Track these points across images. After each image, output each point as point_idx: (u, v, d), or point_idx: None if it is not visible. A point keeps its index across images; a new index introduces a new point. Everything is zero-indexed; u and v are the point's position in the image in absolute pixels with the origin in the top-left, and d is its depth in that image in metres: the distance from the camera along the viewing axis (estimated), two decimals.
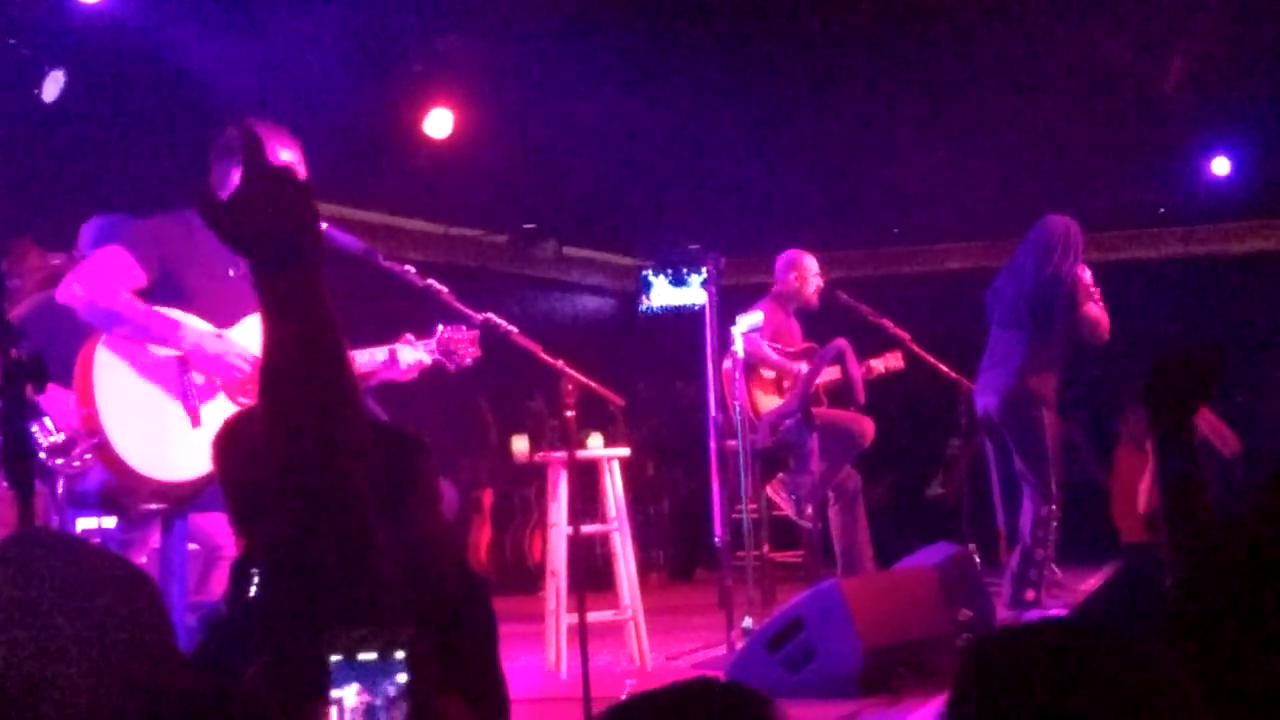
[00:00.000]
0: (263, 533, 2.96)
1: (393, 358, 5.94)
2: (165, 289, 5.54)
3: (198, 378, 5.54)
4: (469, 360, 6.19)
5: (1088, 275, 9.26)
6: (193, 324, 5.49)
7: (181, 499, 5.51)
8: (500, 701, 3.32)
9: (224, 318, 5.60)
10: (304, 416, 2.48)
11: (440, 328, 6.13)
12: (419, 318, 6.39)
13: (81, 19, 9.05)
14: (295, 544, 2.45)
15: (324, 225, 5.78)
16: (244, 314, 5.66)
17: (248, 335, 5.64)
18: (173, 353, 5.45)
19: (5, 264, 7.15)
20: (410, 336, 6.05)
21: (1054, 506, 9.12)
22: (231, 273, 5.71)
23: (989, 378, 9.39)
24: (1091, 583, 9.88)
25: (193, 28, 9.19)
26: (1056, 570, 9.62)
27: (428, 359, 6.06)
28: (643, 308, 16.95)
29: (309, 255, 2.50)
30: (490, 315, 6.15)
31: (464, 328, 6.16)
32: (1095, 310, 9.22)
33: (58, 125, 9.18)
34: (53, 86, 9.06)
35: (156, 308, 5.47)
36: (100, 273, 5.44)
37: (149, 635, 2.37)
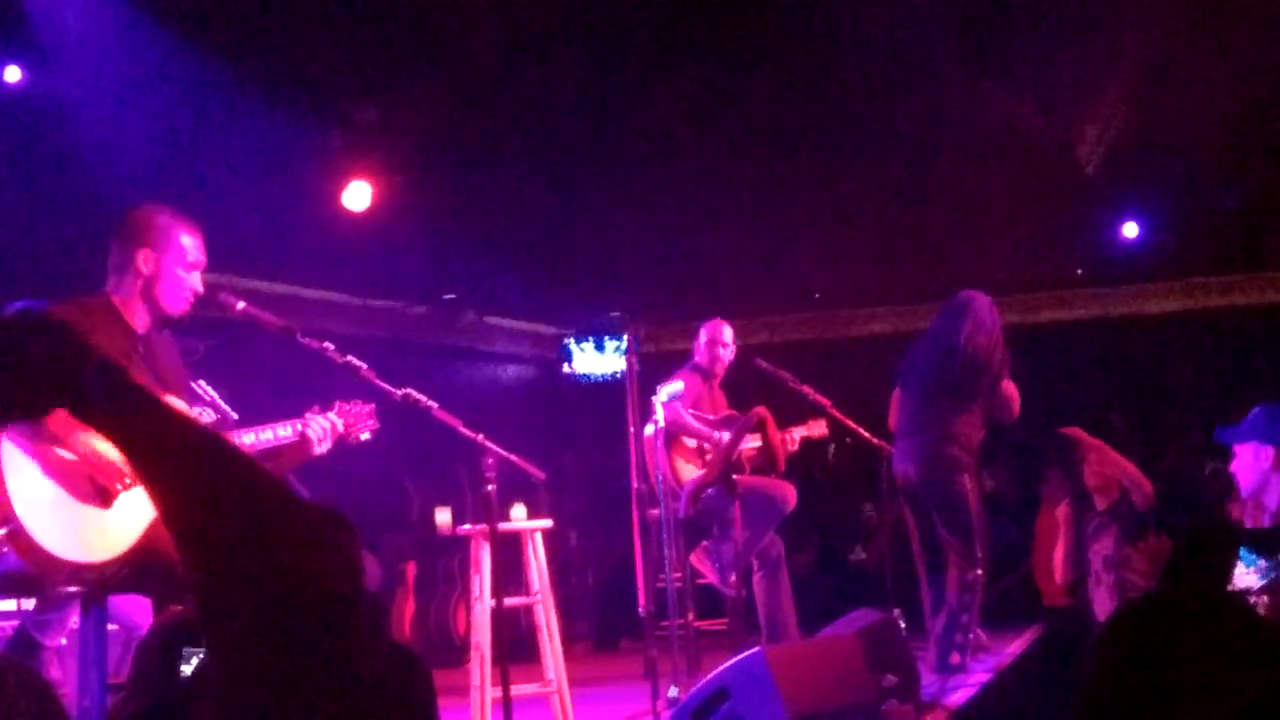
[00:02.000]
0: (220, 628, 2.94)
1: (302, 437, 5.89)
2: None
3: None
4: (367, 434, 6.19)
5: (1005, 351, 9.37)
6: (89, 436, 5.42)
7: (99, 581, 5.46)
8: None
9: None
10: (202, 525, 2.46)
11: (337, 403, 6.12)
12: (340, 393, 6.37)
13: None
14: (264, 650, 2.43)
15: (241, 304, 5.80)
16: None
17: None
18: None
19: None
20: (316, 408, 6.03)
21: (979, 571, 9.16)
22: (130, 358, 5.70)
23: (909, 445, 9.42)
24: (1015, 646, 9.93)
25: (105, 105, 9.17)
26: (981, 634, 9.65)
27: (340, 424, 6.03)
28: (566, 375, 16.95)
29: (67, 398, 2.47)
30: (410, 391, 6.14)
31: (360, 402, 6.16)
32: (1009, 386, 9.33)
33: None
34: None
35: None
36: None
37: None
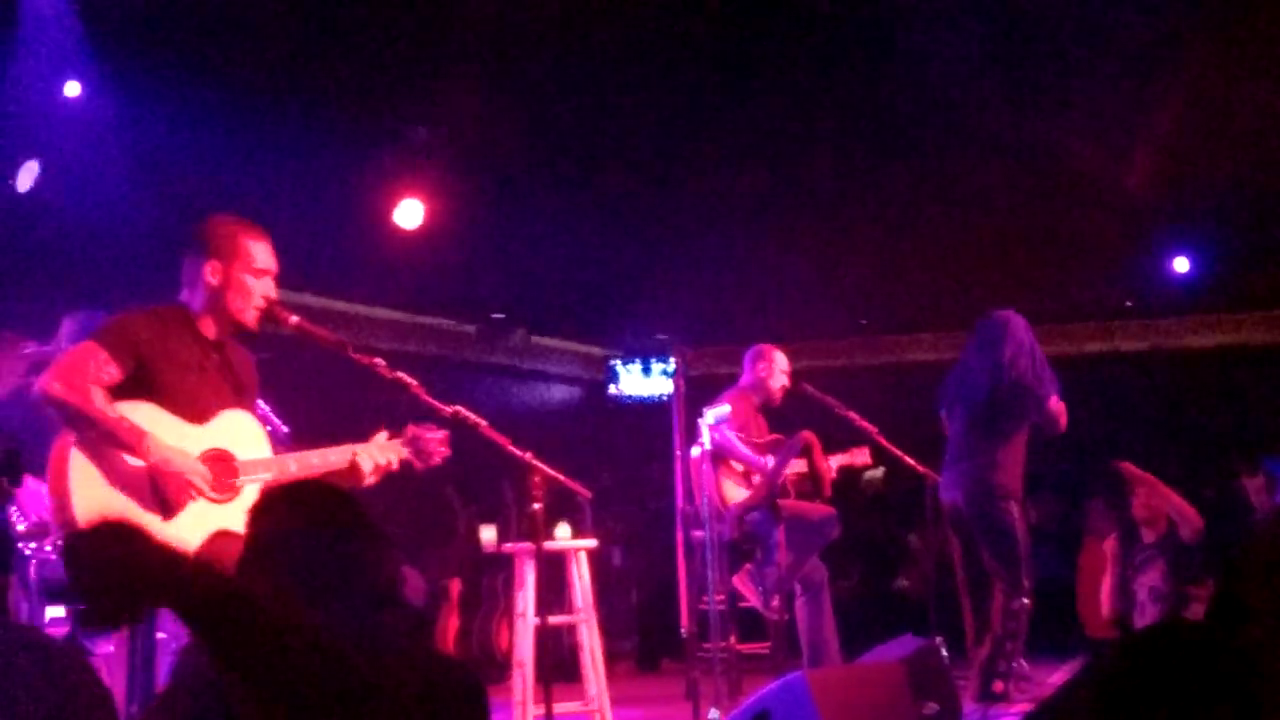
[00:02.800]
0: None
1: (352, 465, 5.90)
2: (140, 384, 5.54)
3: None
4: (438, 460, 6.19)
5: (1048, 368, 9.35)
6: (161, 435, 5.47)
7: None
8: None
9: (197, 413, 5.60)
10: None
11: (411, 427, 6.13)
12: (389, 408, 6.41)
13: (59, 110, 9.10)
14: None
15: (295, 319, 5.85)
16: (217, 409, 5.67)
17: (221, 431, 5.65)
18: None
19: None
20: (383, 433, 6.04)
21: (1025, 600, 9.13)
22: (204, 367, 5.74)
23: (955, 473, 9.41)
24: (1057, 677, 9.90)
25: (167, 121, 9.26)
26: (1024, 664, 9.63)
27: (395, 462, 6.04)
28: (612, 396, 16.98)
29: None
30: (460, 408, 6.16)
31: (434, 426, 6.16)
32: (1056, 403, 9.29)
33: (32, 215, 9.22)
34: (26, 177, 9.10)
35: (130, 403, 5.46)
36: (74, 370, 5.42)
37: None
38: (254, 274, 5.82)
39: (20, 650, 2.39)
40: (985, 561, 9.28)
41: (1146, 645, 2.74)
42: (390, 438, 6.01)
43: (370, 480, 5.88)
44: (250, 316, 5.82)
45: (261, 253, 5.86)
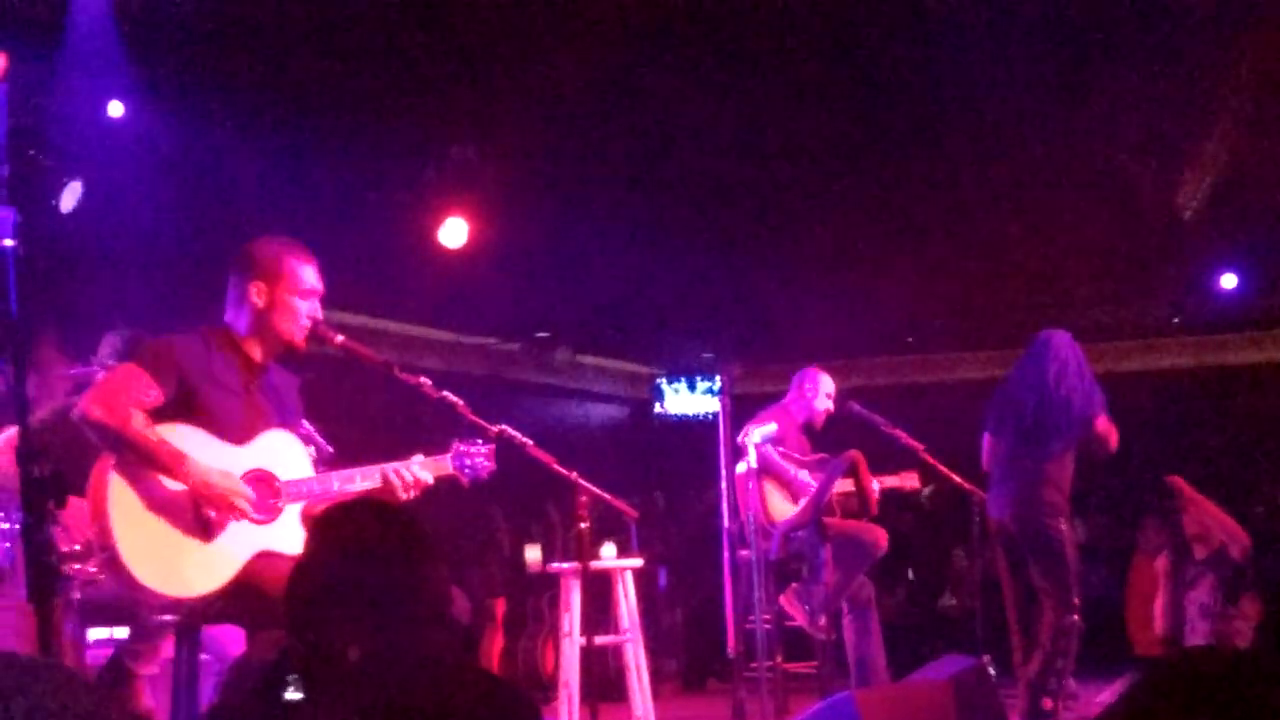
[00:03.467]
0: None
1: (385, 484, 5.87)
2: (181, 405, 5.53)
3: None
4: (484, 475, 6.15)
5: (1098, 387, 9.30)
6: (202, 456, 5.46)
7: (195, 612, 5.50)
8: None
9: (239, 434, 5.59)
10: None
11: (456, 443, 6.10)
12: (434, 428, 6.40)
13: (102, 130, 9.14)
14: None
15: (340, 338, 5.84)
16: (259, 430, 5.66)
17: (261, 452, 5.64)
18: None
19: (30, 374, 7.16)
20: (419, 456, 6.01)
21: (1075, 617, 9.07)
22: (248, 390, 5.73)
23: (1003, 490, 9.37)
24: (1106, 695, 9.83)
25: (211, 142, 9.28)
26: (1072, 682, 9.57)
27: (430, 478, 6.01)
28: (657, 415, 16.98)
29: None
30: (505, 427, 6.13)
31: (480, 442, 6.12)
32: (1105, 423, 9.24)
33: (75, 236, 9.25)
34: (70, 197, 9.14)
35: (171, 425, 5.46)
36: (115, 393, 5.41)
37: None
38: (301, 295, 5.81)
39: (43, 686, 2.36)
40: (1035, 580, 9.22)
41: (1191, 668, 2.71)
42: (430, 454, 5.99)
43: (406, 497, 5.85)
44: (298, 337, 5.81)
45: (308, 274, 5.84)
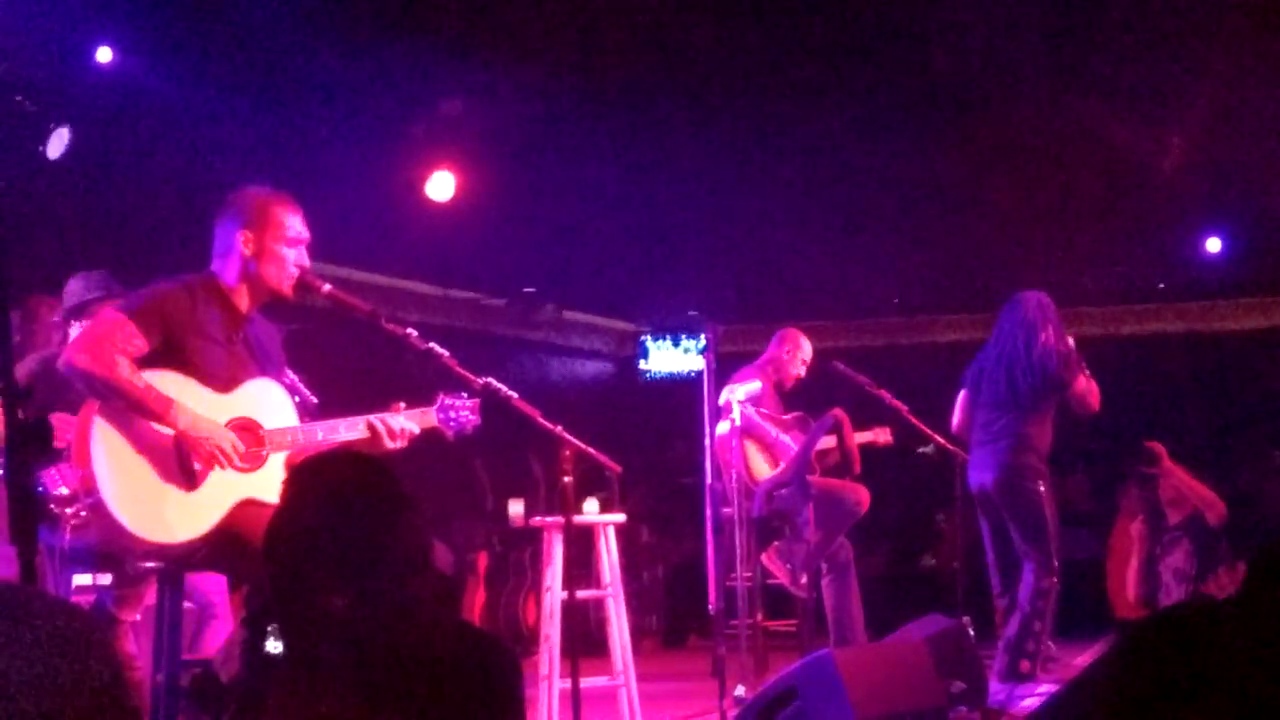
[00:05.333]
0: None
1: (373, 434, 5.87)
2: (167, 353, 5.53)
3: None
4: (469, 429, 6.16)
5: (1072, 348, 9.30)
6: (187, 403, 5.46)
7: (178, 559, 5.51)
8: None
9: (223, 382, 5.60)
10: None
11: (441, 395, 6.10)
12: (419, 380, 6.39)
13: (90, 78, 9.10)
14: None
15: (327, 287, 5.84)
16: (243, 379, 5.67)
17: (246, 400, 5.64)
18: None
19: (17, 320, 7.15)
20: (402, 405, 6.01)
21: (1054, 579, 9.10)
22: (232, 339, 5.73)
23: (983, 454, 9.38)
24: (1084, 658, 9.87)
25: (199, 91, 9.25)
26: (1051, 645, 9.60)
27: (416, 428, 6.01)
28: (642, 372, 16.98)
29: None
30: (490, 380, 6.13)
31: (465, 395, 6.12)
32: (1084, 383, 9.25)
33: (62, 183, 9.22)
34: (57, 144, 9.10)
35: (157, 372, 5.46)
36: (100, 340, 5.41)
37: (88, 686, 2.36)
38: (288, 243, 5.80)
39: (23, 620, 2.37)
40: (1016, 543, 9.24)
41: (1173, 624, 2.72)
42: (412, 407, 5.99)
43: (392, 446, 5.85)
44: (286, 285, 5.81)
45: (295, 222, 5.84)
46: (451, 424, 6.06)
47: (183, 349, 5.56)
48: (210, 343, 5.64)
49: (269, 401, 5.72)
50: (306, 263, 5.86)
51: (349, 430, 5.81)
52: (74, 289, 7.27)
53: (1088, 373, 9.29)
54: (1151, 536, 10.33)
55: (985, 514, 9.50)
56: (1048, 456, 9.33)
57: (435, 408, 6.02)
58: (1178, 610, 2.81)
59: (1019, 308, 9.38)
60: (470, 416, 6.09)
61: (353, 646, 2.96)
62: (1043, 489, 9.18)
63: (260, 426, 5.61)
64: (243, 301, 5.79)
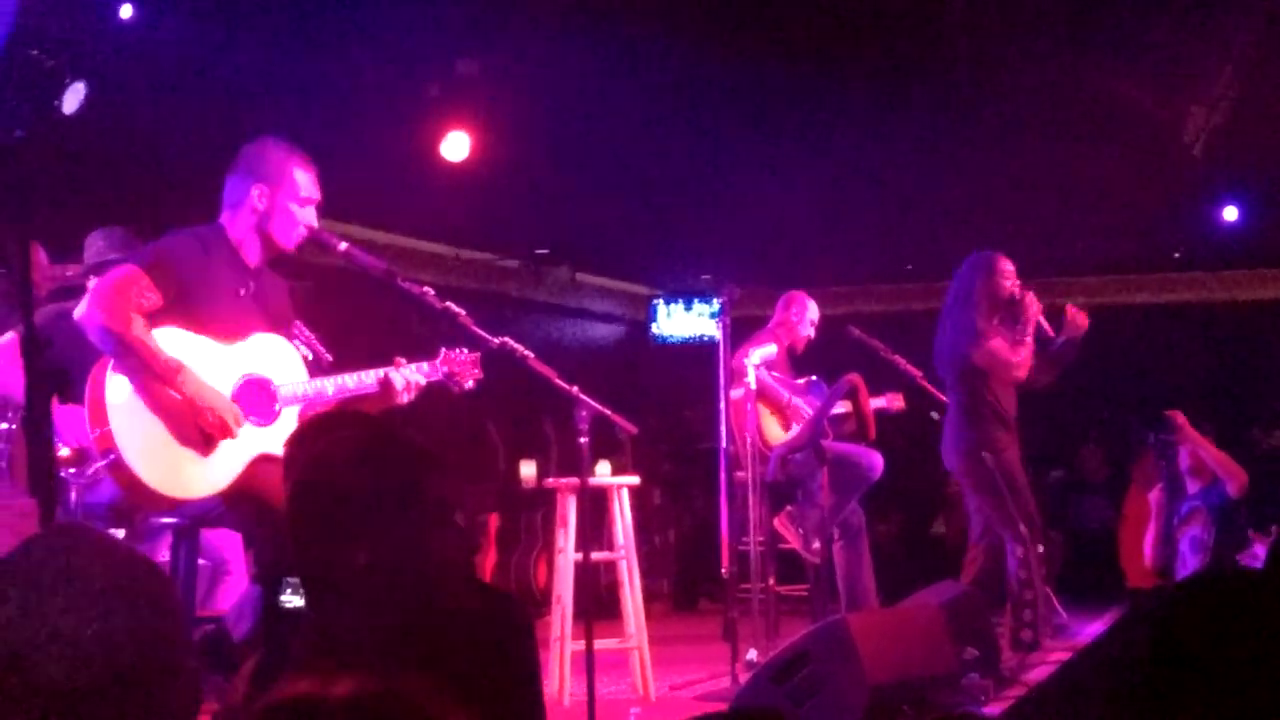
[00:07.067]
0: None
1: (385, 387, 5.89)
2: (178, 308, 5.54)
3: None
4: (471, 383, 6.18)
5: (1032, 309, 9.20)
6: (197, 361, 5.47)
7: (194, 515, 5.51)
8: None
9: (233, 334, 5.62)
10: None
11: (444, 350, 6.12)
12: (434, 339, 6.39)
13: (107, 33, 9.05)
14: None
15: (344, 245, 5.84)
16: (252, 330, 5.68)
17: (255, 354, 5.66)
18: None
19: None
20: (401, 360, 6.03)
21: (1030, 545, 8.99)
22: (241, 292, 5.74)
23: (945, 435, 9.34)
24: (1096, 626, 9.87)
25: (215, 47, 9.21)
26: (1062, 613, 9.60)
27: (423, 380, 6.02)
28: (653, 336, 16.96)
29: None
30: (507, 340, 6.13)
31: (465, 350, 6.15)
32: (985, 356, 9.11)
33: (77, 138, 9.18)
34: (73, 98, 9.05)
35: (167, 329, 5.46)
36: (115, 295, 5.41)
37: (151, 635, 2.37)
38: (300, 202, 5.81)
39: (86, 551, 2.39)
40: (986, 518, 9.19)
41: (1196, 592, 2.70)
42: (412, 362, 6.02)
43: (404, 399, 5.88)
44: (293, 243, 5.82)
45: (308, 181, 5.85)
46: (454, 378, 6.08)
47: (194, 300, 5.56)
48: (220, 294, 5.65)
49: (277, 356, 5.74)
50: (315, 223, 5.86)
51: (360, 384, 5.82)
52: (97, 246, 7.28)
53: (1027, 339, 9.17)
54: (1169, 505, 10.30)
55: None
56: (997, 424, 9.18)
57: (439, 360, 6.04)
58: (1196, 581, 2.79)
59: (957, 274, 9.37)
60: (473, 370, 6.12)
61: (372, 601, 2.96)
62: (989, 460, 9.05)
63: (271, 382, 5.61)
64: (251, 255, 5.80)
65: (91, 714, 2.27)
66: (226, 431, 5.43)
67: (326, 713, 1.80)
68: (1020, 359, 9.09)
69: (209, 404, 5.41)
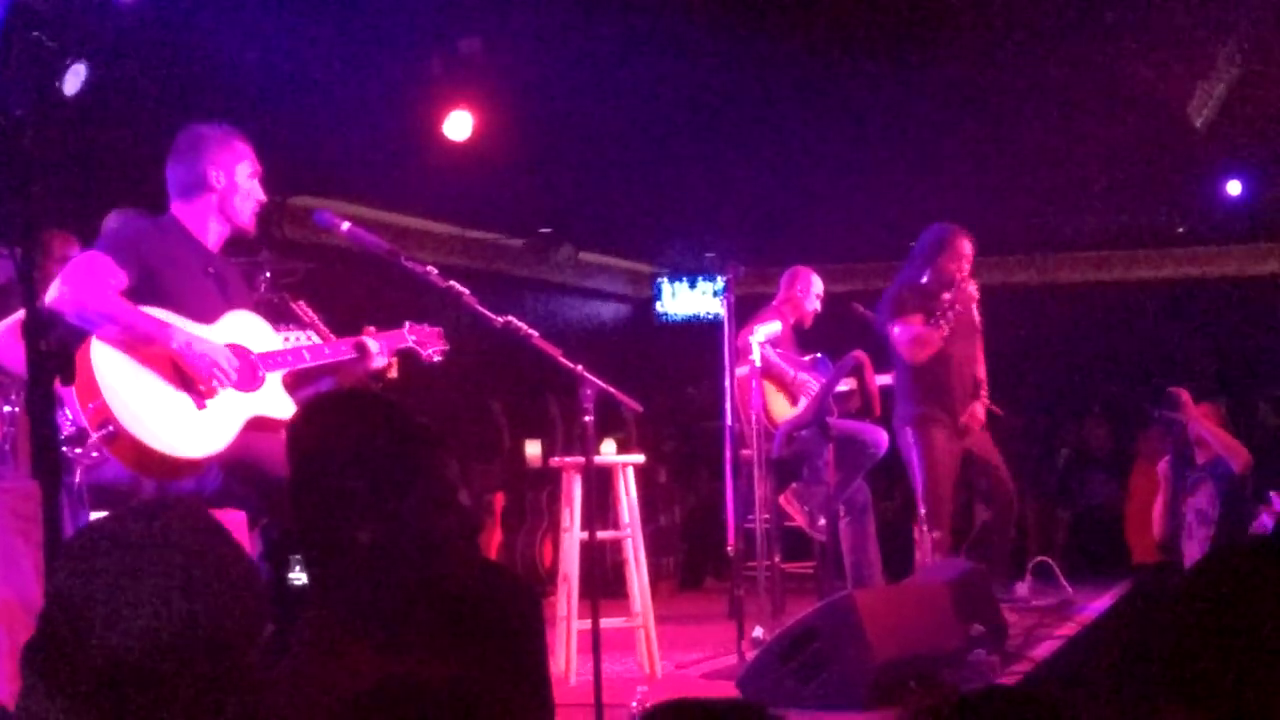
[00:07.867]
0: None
1: (360, 349, 6.00)
2: (146, 289, 5.59)
3: None
4: (438, 356, 6.31)
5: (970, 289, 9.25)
6: (182, 323, 5.52)
7: (197, 490, 5.52)
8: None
9: (203, 315, 5.68)
10: None
11: (407, 323, 6.26)
12: (437, 318, 6.42)
13: (108, 13, 9.03)
14: None
15: (347, 225, 5.87)
16: (222, 311, 5.75)
17: (227, 331, 5.71)
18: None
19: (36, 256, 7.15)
20: (372, 328, 6.13)
21: (941, 533, 9.03)
22: (211, 269, 5.80)
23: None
24: (1102, 601, 9.87)
25: (216, 27, 9.19)
26: (1068, 588, 9.59)
27: (394, 345, 6.18)
28: (658, 314, 16.96)
29: None
30: (511, 319, 6.14)
31: (427, 325, 6.29)
32: (900, 334, 9.19)
33: (78, 119, 9.18)
34: (74, 80, 9.04)
35: (146, 309, 5.51)
36: (85, 276, 5.48)
37: (230, 604, 2.42)
38: (252, 174, 5.92)
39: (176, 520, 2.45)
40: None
41: (1209, 569, 2.69)
42: (381, 331, 6.15)
43: (381, 362, 6.01)
44: (249, 218, 5.91)
45: (252, 156, 5.95)
46: (420, 346, 6.24)
47: (161, 282, 5.65)
48: (188, 273, 5.74)
49: (251, 330, 5.85)
50: (263, 196, 5.96)
51: (335, 351, 5.92)
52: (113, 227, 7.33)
53: (940, 318, 9.20)
54: (1176, 476, 10.31)
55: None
56: (924, 400, 9.22)
57: (405, 329, 6.18)
58: (1212, 556, 2.78)
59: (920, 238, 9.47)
60: (437, 342, 6.28)
61: (377, 579, 2.97)
62: (909, 436, 9.12)
63: (250, 351, 5.69)
64: (210, 238, 5.87)
65: (173, 679, 2.34)
66: (223, 376, 5.49)
67: (414, 696, 1.83)
68: (929, 340, 9.21)
69: (202, 350, 5.46)
